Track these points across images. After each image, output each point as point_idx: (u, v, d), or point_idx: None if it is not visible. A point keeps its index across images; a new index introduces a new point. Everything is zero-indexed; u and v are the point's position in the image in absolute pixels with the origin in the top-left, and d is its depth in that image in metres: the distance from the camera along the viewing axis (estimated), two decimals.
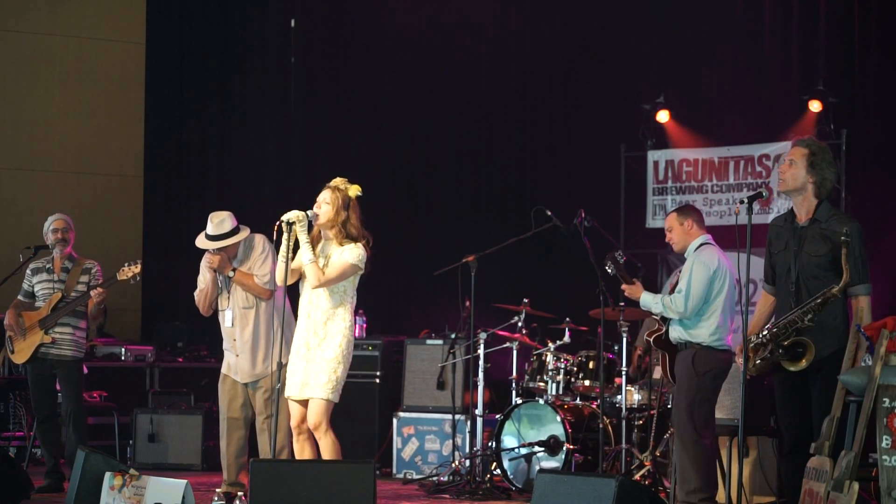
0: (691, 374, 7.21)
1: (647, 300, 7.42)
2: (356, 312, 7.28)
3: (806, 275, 6.29)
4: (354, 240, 6.91)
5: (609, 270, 7.55)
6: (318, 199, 6.95)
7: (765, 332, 6.33)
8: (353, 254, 6.87)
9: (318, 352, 6.89)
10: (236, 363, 7.79)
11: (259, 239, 7.80)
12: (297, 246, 6.90)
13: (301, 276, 6.99)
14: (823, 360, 6.17)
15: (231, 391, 7.83)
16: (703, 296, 7.22)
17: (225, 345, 7.88)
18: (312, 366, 6.89)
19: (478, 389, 9.33)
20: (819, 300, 6.17)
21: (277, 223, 6.84)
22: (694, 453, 7.14)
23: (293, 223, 6.79)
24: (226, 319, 7.83)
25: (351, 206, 6.93)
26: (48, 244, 8.80)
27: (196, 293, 7.91)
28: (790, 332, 6.21)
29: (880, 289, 6.57)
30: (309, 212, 6.88)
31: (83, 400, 8.88)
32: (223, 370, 7.92)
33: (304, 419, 6.94)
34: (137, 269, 8.54)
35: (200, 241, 7.77)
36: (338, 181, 6.97)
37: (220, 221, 7.75)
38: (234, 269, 7.74)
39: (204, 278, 7.84)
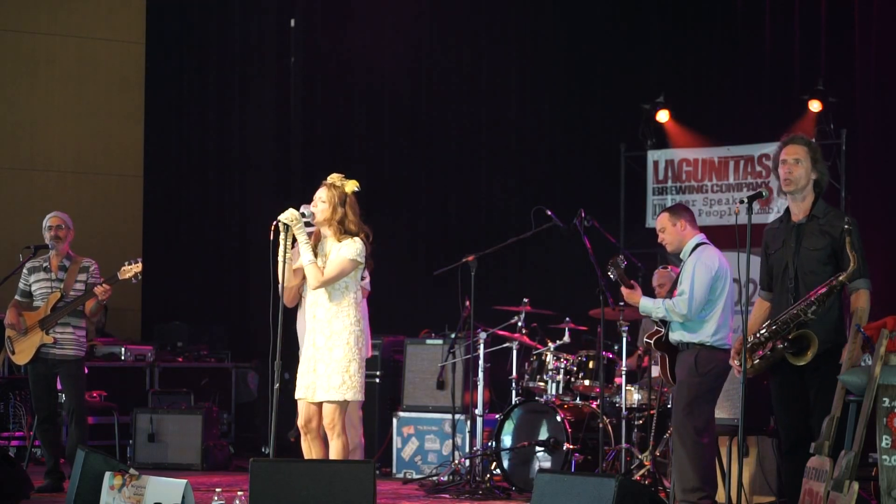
0: (693, 374, 7.20)
1: (648, 305, 7.39)
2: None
3: (804, 270, 6.26)
4: (353, 235, 6.88)
5: (611, 276, 7.52)
6: (314, 198, 6.93)
7: (762, 331, 6.30)
8: (350, 249, 6.80)
9: (326, 352, 6.79)
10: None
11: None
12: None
13: (304, 276, 6.96)
14: (820, 356, 6.14)
15: None
16: (705, 297, 7.21)
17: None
18: (322, 367, 6.79)
19: (478, 389, 9.34)
20: (824, 290, 6.11)
21: (274, 223, 6.82)
22: (693, 453, 7.14)
23: (290, 224, 6.76)
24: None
25: (348, 202, 6.88)
26: (47, 243, 8.80)
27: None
28: (792, 326, 6.19)
29: (880, 288, 6.55)
30: (305, 210, 6.86)
31: (85, 399, 8.88)
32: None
33: (310, 419, 6.89)
34: (139, 267, 8.54)
35: None
36: (334, 178, 6.93)
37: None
38: None
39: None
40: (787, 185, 6.32)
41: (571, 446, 8.68)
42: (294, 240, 6.82)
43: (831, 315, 6.23)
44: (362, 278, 7.30)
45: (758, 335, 6.30)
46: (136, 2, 13.41)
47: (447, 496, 8.60)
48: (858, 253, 6.16)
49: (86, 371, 8.94)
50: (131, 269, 8.54)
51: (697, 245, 7.37)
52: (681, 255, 7.46)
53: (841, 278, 6.09)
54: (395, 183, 12.57)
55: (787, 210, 6.46)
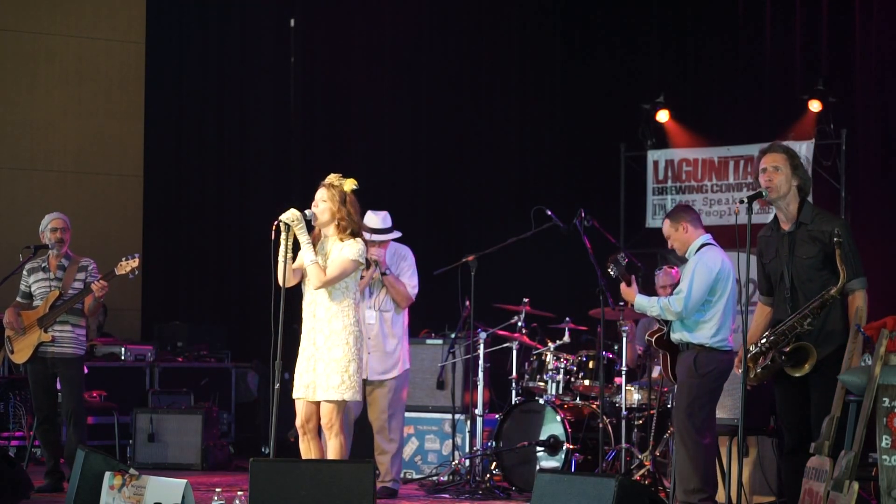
0: (692, 374, 7.21)
1: (643, 302, 7.39)
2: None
3: (800, 279, 6.28)
4: (354, 235, 6.89)
5: (612, 273, 7.52)
6: (315, 199, 6.93)
7: (763, 341, 6.32)
8: (352, 249, 6.81)
9: (326, 352, 6.81)
10: (365, 360, 7.81)
11: (409, 251, 8.44)
12: (297, 245, 6.89)
13: (303, 277, 6.96)
14: (822, 358, 6.16)
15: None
16: (702, 297, 7.20)
17: None
18: (321, 366, 6.81)
19: (478, 389, 9.33)
20: (817, 303, 6.16)
21: (275, 223, 6.81)
22: (694, 453, 7.14)
23: (291, 224, 6.76)
24: (367, 317, 8.22)
25: (348, 200, 6.89)
26: (46, 243, 8.79)
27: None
28: (790, 338, 6.20)
29: (880, 289, 6.56)
30: (307, 211, 6.86)
31: (84, 399, 8.87)
32: None
33: (308, 419, 6.89)
34: (136, 263, 8.53)
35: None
36: (332, 178, 6.93)
37: (384, 217, 8.30)
38: (388, 269, 8.23)
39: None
40: (769, 191, 6.34)
41: (571, 446, 8.68)
42: (295, 240, 6.82)
43: (833, 319, 6.24)
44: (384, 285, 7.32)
45: (759, 344, 6.32)
46: (136, 2, 13.39)
47: (447, 496, 8.60)
48: (850, 258, 6.17)
49: (86, 371, 8.93)
50: (128, 265, 8.53)
51: (702, 245, 7.37)
52: (686, 255, 7.46)
53: (832, 292, 6.12)
54: (395, 183, 12.57)
55: (776, 217, 6.46)
